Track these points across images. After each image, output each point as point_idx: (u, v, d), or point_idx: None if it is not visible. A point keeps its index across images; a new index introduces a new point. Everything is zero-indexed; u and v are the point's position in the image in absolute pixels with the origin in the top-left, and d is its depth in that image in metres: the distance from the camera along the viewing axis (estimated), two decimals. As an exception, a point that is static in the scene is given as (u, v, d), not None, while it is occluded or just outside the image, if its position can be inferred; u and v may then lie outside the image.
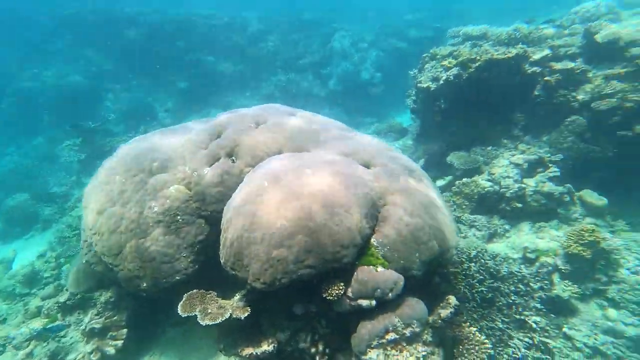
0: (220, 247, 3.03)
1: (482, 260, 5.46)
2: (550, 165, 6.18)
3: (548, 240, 5.50)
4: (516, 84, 6.73)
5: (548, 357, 4.33)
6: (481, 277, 5.27)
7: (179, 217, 3.15)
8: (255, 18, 19.45)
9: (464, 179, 6.97)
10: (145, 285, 3.23)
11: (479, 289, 5.13)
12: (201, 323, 2.62)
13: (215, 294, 3.07)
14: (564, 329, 4.71)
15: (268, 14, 20.16)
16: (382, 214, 3.79)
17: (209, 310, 2.69)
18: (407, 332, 3.28)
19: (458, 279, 5.36)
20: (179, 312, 2.86)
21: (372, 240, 3.55)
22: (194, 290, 3.05)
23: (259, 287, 2.95)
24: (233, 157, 3.55)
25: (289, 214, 3.06)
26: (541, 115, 6.74)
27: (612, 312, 4.78)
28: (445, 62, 6.93)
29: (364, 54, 17.13)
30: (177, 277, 3.15)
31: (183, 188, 3.28)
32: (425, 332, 3.44)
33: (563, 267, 5.13)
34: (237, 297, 3.15)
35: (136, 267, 3.19)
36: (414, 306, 3.42)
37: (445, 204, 4.72)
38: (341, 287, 3.26)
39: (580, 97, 6.12)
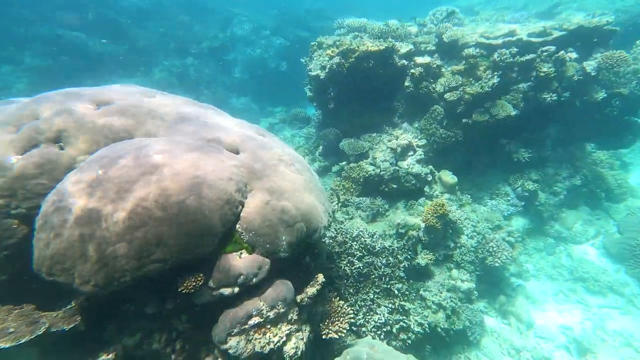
0: (34, 249, 2.54)
1: (362, 239, 5.92)
2: (417, 149, 6.98)
3: (415, 216, 6.26)
4: (392, 74, 7.37)
5: (404, 317, 4.93)
6: (360, 254, 5.71)
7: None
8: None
9: (351, 164, 7.41)
10: None
11: (357, 265, 5.55)
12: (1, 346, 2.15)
13: (33, 307, 2.57)
14: (420, 292, 5.46)
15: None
16: (248, 200, 3.69)
17: (10, 330, 2.22)
18: (272, 314, 3.32)
19: (341, 258, 5.72)
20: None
21: (237, 226, 3.45)
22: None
23: (89, 291, 2.57)
24: (61, 143, 2.99)
25: (128, 205, 2.72)
26: (413, 104, 7.57)
27: (454, 272, 5.75)
28: (329, 52, 7.17)
29: (267, 42, 16.73)
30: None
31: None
32: (292, 311, 3.54)
33: (424, 238, 5.92)
34: (69, 306, 2.71)
35: None
36: (280, 288, 3.48)
37: (318, 187, 4.89)
38: (199, 279, 3.08)
39: (437, 88, 7.05)
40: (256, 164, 3.95)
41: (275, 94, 16.27)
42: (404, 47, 6.95)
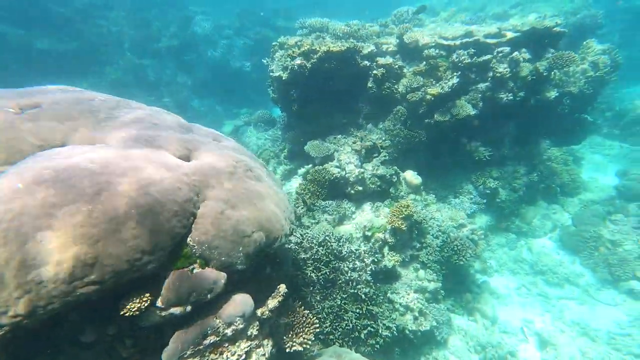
0: None
1: (329, 244, 5.78)
2: (382, 150, 6.96)
3: (382, 218, 6.21)
4: (355, 75, 7.31)
5: (372, 322, 4.84)
6: (327, 259, 5.56)
7: None
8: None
9: (316, 167, 7.27)
10: None
11: (324, 271, 5.40)
12: None
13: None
14: (388, 294, 5.40)
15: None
16: (201, 210, 3.43)
17: None
18: (229, 331, 3.09)
19: (308, 264, 5.55)
20: None
21: (189, 239, 3.19)
22: None
23: (9, 322, 2.22)
24: (-31, 154, 2.60)
25: (54, 222, 2.39)
26: (377, 105, 7.55)
27: (421, 273, 5.75)
28: (290, 52, 7.00)
29: (230, 42, 16.28)
30: None
31: None
32: (252, 326, 3.33)
33: (390, 240, 5.88)
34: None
35: None
36: (238, 302, 3.26)
37: (279, 193, 4.69)
38: (145, 299, 2.78)
39: (400, 89, 7.07)
40: (210, 171, 3.70)
41: (240, 95, 15.84)
42: (366, 48, 6.91)
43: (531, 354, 5.44)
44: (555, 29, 7.12)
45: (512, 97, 7.34)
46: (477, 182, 8.07)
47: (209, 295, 3.01)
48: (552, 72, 7.41)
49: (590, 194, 8.61)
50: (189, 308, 2.91)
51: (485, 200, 7.74)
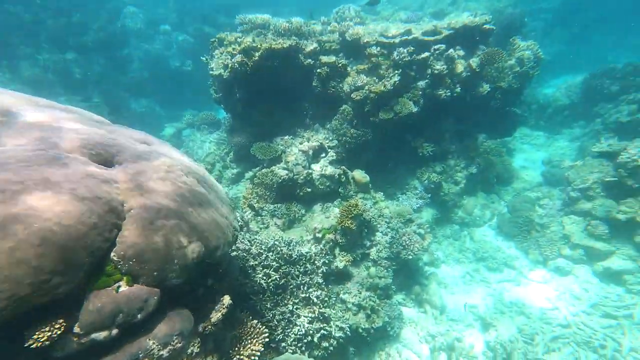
0: None
1: (279, 248, 5.58)
2: (329, 150, 6.89)
3: (332, 218, 6.15)
4: (300, 74, 7.14)
5: (325, 324, 4.77)
6: (277, 264, 5.37)
7: None
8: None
9: (264, 170, 7.01)
10: None
11: (274, 277, 5.21)
12: None
13: None
14: (340, 295, 5.37)
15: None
16: (127, 221, 3.03)
17: None
18: (165, 352, 2.79)
19: (257, 271, 5.30)
20: None
21: (112, 254, 2.81)
22: None
23: None
24: None
25: None
26: (323, 104, 7.46)
27: (372, 270, 5.80)
28: (230, 49, 6.62)
29: (168, 38, 15.20)
30: None
31: None
32: (192, 344, 3.06)
33: (341, 241, 5.84)
34: None
35: None
36: (175, 320, 2.97)
37: (221, 198, 4.39)
38: (57, 326, 2.38)
39: (345, 88, 7.04)
40: (139, 177, 3.30)
41: (182, 95, 14.89)
42: (309, 46, 6.77)
43: (475, 337, 5.75)
44: (485, 26, 7.55)
45: (449, 94, 7.67)
46: (422, 177, 8.36)
47: (139, 315, 2.68)
48: (484, 68, 7.85)
49: (522, 182, 9.35)
50: (115, 331, 2.56)
51: (429, 195, 8.04)
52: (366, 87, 7.06)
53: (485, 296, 6.50)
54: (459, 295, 6.55)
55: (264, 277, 5.14)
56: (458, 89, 7.78)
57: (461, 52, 7.57)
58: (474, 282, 6.86)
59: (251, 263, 5.31)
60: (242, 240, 5.35)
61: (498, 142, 9.91)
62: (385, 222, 6.70)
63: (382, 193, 7.44)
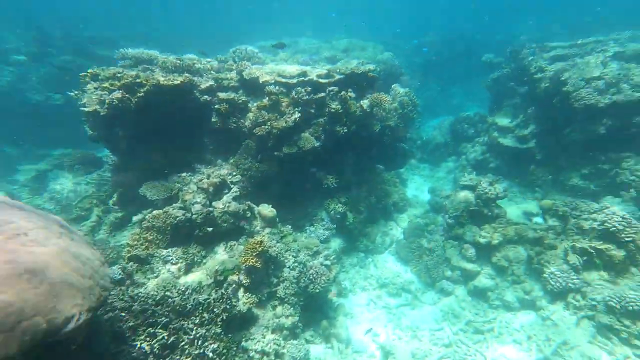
0: None
1: (169, 300, 4.90)
2: (232, 185, 6.61)
3: (236, 258, 5.74)
4: (197, 110, 6.86)
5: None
6: (167, 319, 4.68)
7: None
8: None
9: (155, 212, 6.32)
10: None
11: (162, 336, 4.50)
12: None
13: None
14: (242, 343, 4.93)
15: None
16: None
17: None
18: None
19: (139, 333, 4.50)
20: None
21: None
22: None
23: None
24: None
25: None
26: (225, 140, 7.24)
27: (279, 310, 5.55)
28: (107, 84, 6.03)
29: (24, 70, 13.28)
30: None
31: None
32: None
33: (245, 281, 5.47)
34: None
35: None
36: None
37: (83, 254, 3.67)
38: None
39: (247, 124, 7.01)
40: None
41: (47, 133, 12.81)
42: (204, 83, 6.61)
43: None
44: (369, 74, 8.56)
45: (346, 130, 8.31)
46: (329, 208, 8.66)
47: None
48: (374, 109, 8.81)
49: (414, 210, 10.45)
50: None
51: (335, 225, 8.31)
52: (268, 123, 7.16)
53: (386, 322, 6.77)
54: (365, 324, 6.69)
55: (148, 339, 4.41)
56: (353, 127, 8.49)
57: (352, 94, 8.38)
58: (376, 309, 7.12)
59: (131, 324, 4.52)
60: (121, 298, 4.54)
61: (393, 174, 11.01)
62: (293, 256, 6.60)
63: (290, 226, 7.38)
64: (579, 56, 9.79)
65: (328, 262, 7.18)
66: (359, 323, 6.70)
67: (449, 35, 22.78)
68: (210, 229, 6.35)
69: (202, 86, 6.58)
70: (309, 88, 7.69)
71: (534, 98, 10.83)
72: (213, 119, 6.99)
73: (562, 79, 9.17)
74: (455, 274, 7.67)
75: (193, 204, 6.39)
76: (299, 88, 7.52)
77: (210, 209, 6.46)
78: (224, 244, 6.51)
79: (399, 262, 8.49)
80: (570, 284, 6.42)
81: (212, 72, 7.24)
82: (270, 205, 7.17)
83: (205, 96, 6.69)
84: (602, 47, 9.62)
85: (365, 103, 8.60)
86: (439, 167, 13.35)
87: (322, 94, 7.83)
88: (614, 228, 6.43)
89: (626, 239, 6.31)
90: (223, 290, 5.53)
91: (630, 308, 5.49)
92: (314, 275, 6.53)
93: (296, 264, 6.47)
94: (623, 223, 6.39)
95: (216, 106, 6.81)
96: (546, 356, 5.64)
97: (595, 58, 9.19)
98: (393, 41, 19.15)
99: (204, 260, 6.31)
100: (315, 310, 6.44)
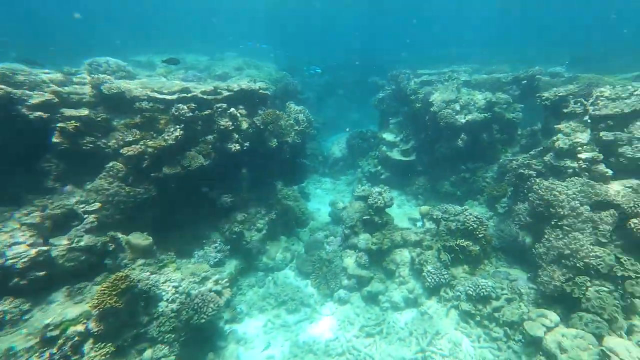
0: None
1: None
2: (87, 215, 5.67)
3: (85, 303, 4.84)
4: (27, 130, 5.76)
5: None
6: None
7: None
8: None
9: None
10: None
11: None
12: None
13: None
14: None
15: None
16: None
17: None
18: None
19: None
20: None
21: None
22: None
23: None
24: None
25: None
26: (76, 163, 6.22)
27: (148, 353, 4.84)
28: None
29: None
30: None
31: None
32: None
33: (97, 329, 4.62)
34: None
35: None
36: None
37: None
38: None
39: (111, 143, 6.17)
40: None
41: None
42: (36, 97, 5.62)
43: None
44: (260, 91, 8.55)
45: (239, 147, 8.06)
46: (224, 228, 8.18)
47: None
48: (268, 125, 8.78)
49: (316, 223, 10.63)
50: None
51: (228, 247, 7.88)
52: (142, 142, 6.46)
53: (283, 342, 6.58)
54: (259, 348, 6.37)
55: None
56: (247, 143, 8.30)
57: (243, 111, 8.23)
58: (274, 329, 6.88)
59: None
60: None
61: (294, 189, 11.09)
62: (174, 286, 5.94)
63: (173, 254, 6.68)
64: (440, 82, 11.54)
65: (219, 287, 6.69)
66: (253, 347, 6.34)
67: (348, 58, 24.78)
68: (41, 274, 5.23)
69: (33, 101, 5.58)
70: (193, 105, 7.26)
71: (412, 116, 12.29)
72: (55, 140, 5.95)
73: (430, 100, 10.63)
74: (351, 282, 7.94)
75: (12, 246, 5.18)
76: (180, 105, 7.03)
77: (45, 248, 5.36)
78: (66, 289, 5.45)
79: (299, 277, 8.44)
80: (442, 280, 7.20)
81: (51, 85, 6.23)
82: (146, 233, 6.40)
83: (40, 112, 5.68)
84: (456, 75, 11.51)
85: (257, 120, 8.52)
86: (339, 180, 14.01)
87: (209, 111, 7.48)
88: (471, 227, 7.52)
89: (479, 236, 7.42)
90: (54, 350, 4.51)
91: (482, 294, 6.41)
92: (200, 304, 5.98)
93: (177, 295, 5.84)
94: (477, 222, 7.51)
95: (59, 124, 5.83)
96: (423, 348, 6.15)
97: (452, 84, 10.93)
98: (291, 63, 19.91)
99: (26, 317, 5.12)
100: (200, 343, 5.87)
